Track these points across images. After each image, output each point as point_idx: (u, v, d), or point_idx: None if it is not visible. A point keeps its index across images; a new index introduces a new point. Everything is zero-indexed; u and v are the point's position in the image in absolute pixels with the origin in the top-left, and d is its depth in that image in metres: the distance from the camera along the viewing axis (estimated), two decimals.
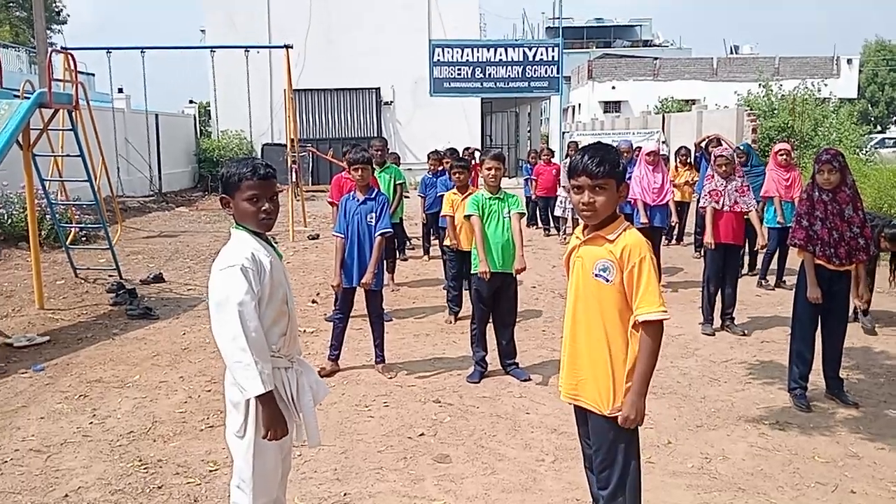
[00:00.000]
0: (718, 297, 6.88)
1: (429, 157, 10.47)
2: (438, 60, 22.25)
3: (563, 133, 25.33)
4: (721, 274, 6.81)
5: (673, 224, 9.75)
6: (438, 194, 9.27)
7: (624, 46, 55.08)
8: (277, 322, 2.72)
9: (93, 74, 27.86)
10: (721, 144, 9.86)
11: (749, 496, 3.75)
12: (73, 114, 8.83)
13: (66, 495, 3.78)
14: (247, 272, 2.58)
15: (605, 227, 2.72)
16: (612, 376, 2.74)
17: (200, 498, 3.75)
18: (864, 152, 19.18)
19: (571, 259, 2.86)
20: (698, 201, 7.26)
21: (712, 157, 7.04)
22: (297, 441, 2.87)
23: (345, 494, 3.77)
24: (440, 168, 9.84)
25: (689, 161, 11.30)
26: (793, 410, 4.89)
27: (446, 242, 7.31)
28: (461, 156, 9.99)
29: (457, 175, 6.93)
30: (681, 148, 11.74)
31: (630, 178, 8.51)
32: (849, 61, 41.40)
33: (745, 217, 6.82)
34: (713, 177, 6.83)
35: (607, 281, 2.69)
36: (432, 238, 10.64)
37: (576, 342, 2.84)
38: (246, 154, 23.20)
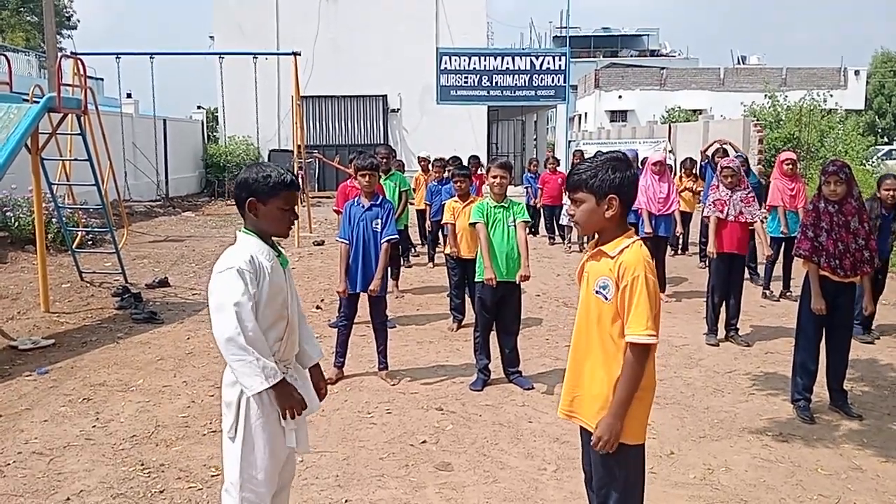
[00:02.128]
0: (723, 308, 6.87)
1: (433, 165, 10.51)
2: (445, 68, 22.33)
3: (570, 142, 25.37)
4: (726, 284, 6.80)
5: (678, 234, 9.73)
6: (444, 202, 9.32)
7: (631, 56, 55.13)
8: (275, 326, 2.72)
9: (102, 79, 28.07)
10: (728, 155, 9.87)
11: None
12: (82, 118, 8.89)
13: (68, 498, 3.79)
14: (243, 274, 2.61)
15: (608, 243, 2.64)
16: (609, 396, 2.63)
17: (202, 503, 3.76)
18: (870, 164, 19.14)
19: (583, 272, 2.80)
20: (702, 211, 7.26)
21: (718, 168, 7.04)
22: (287, 446, 2.83)
23: (346, 501, 3.77)
24: (445, 176, 9.89)
25: (693, 172, 11.30)
26: (796, 422, 4.87)
27: (446, 250, 7.32)
28: (465, 164, 10.01)
29: (458, 183, 6.94)
30: (686, 160, 11.76)
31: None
32: (856, 72, 41.34)
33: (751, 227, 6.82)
34: (718, 186, 6.83)
35: (606, 299, 2.62)
36: (437, 245, 10.68)
37: (577, 358, 2.77)
38: (253, 160, 23.31)
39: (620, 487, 2.71)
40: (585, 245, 7.01)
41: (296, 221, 2.87)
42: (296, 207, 2.82)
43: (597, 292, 2.65)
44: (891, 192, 6.56)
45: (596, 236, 2.75)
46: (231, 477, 2.73)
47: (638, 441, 2.71)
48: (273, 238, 2.81)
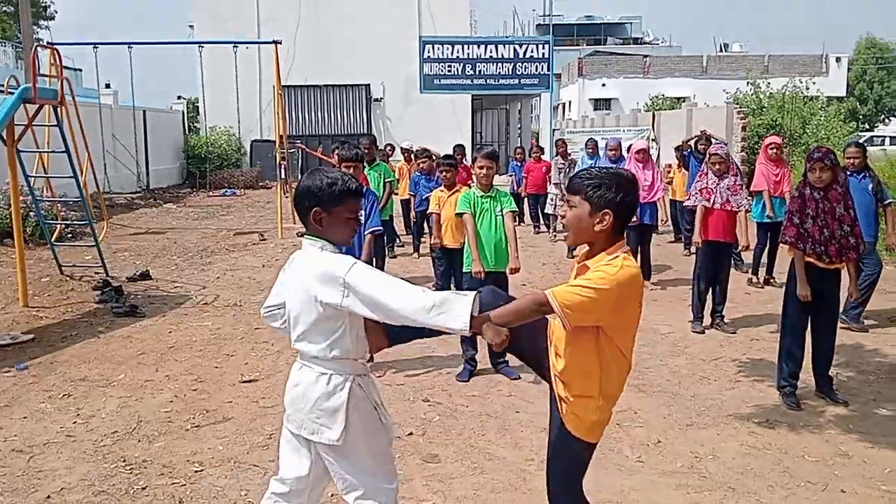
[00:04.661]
0: (709, 296, 6.87)
1: (418, 156, 10.44)
2: (428, 57, 22.15)
3: (554, 130, 25.32)
4: (712, 271, 6.79)
5: (661, 220, 9.71)
6: (424, 196, 9.38)
7: (614, 44, 55.14)
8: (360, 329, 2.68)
9: (80, 70, 27.65)
10: (711, 142, 9.86)
11: (739, 495, 3.74)
12: (59, 109, 8.73)
13: (49, 496, 3.72)
14: (365, 264, 2.59)
15: (593, 257, 2.59)
16: (571, 393, 2.64)
17: (185, 499, 3.70)
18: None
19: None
20: (688, 199, 7.24)
21: (707, 155, 7.01)
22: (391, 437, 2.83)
23: (332, 495, 3.72)
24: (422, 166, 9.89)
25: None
26: (782, 409, 4.88)
27: (432, 240, 7.27)
28: (452, 154, 9.96)
29: (444, 173, 6.88)
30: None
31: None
32: (837, 59, 41.57)
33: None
34: (707, 174, 6.80)
35: None
36: (422, 236, 10.65)
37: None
38: (235, 150, 23.13)
39: (561, 476, 2.77)
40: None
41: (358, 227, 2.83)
42: (359, 214, 2.75)
43: None
44: (852, 160, 6.67)
45: (582, 249, 2.70)
46: (367, 484, 2.68)
47: (587, 439, 2.68)
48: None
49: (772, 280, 8.51)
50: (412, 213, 10.79)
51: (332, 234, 2.64)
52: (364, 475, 2.69)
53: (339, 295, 2.49)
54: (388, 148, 12.01)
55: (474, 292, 2.51)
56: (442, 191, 6.82)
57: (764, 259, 8.60)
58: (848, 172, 6.62)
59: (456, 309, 2.43)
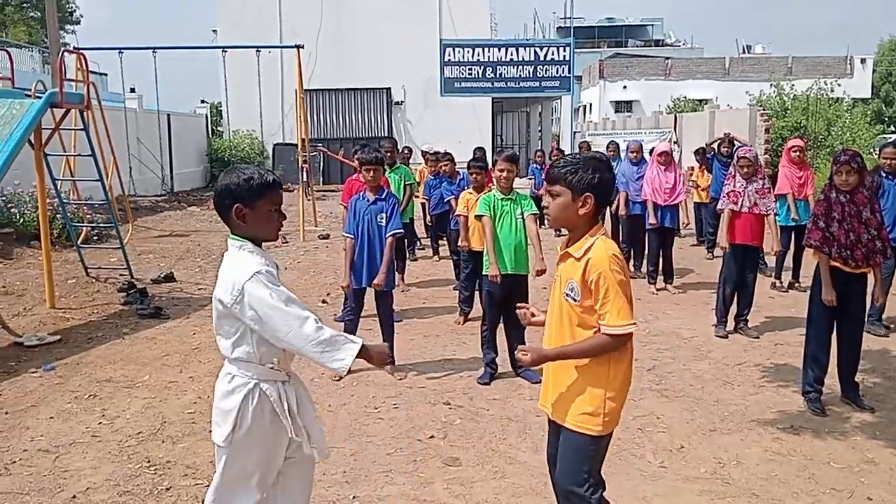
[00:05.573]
0: (733, 300, 6.79)
1: (438, 159, 10.44)
2: (449, 60, 22.19)
3: (575, 133, 25.24)
4: (739, 275, 6.70)
5: (683, 224, 9.63)
6: (446, 199, 9.38)
7: (636, 46, 54.89)
8: None
9: (105, 74, 28.00)
10: (734, 145, 9.79)
11: (763, 502, 3.70)
12: (85, 113, 8.85)
13: (74, 496, 3.77)
14: (270, 275, 2.55)
15: (576, 243, 2.71)
16: (577, 392, 2.73)
17: None
18: (877, 152, 18.96)
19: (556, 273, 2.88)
20: (714, 202, 7.17)
21: (735, 158, 6.92)
22: (305, 453, 2.77)
23: (353, 497, 3.74)
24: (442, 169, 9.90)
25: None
26: (807, 414, 4.82)
27: (460, 243, 7.26)
28: (476, 157, 9.96)
29: (474, 175, 6.86)
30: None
31: (642, 178, 8.50)
32: (862, 61, 41.07)
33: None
34: (735, 176, 6.72)
35: (574, 301, 2.70)
36: (440, 239, 10.68)
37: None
38: (258, 154, 23.32)
39: (581, 471, 2.78)
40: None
41: (284, 221, 2.77)
42: (281, 207, 2.72)
43: (566, 294, 2.73)
44: (888, 161, 6.61)
45: (565, 235, 2.81)
46: (233, 487, 2.70)
47: (606, 431, 2.77)
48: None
49: (796, 284, 8.41)
50: (428, 217, 10.81)
51: (257, 229, 2.63)
52: (237, 480, 2.68)
53: (231, 299, 2.50)
54: (406, 150, 12.05)
55: (361, 341, 2.56)
56: (470, 193, 6.79)
57: (788, 263, 8.51)
58: (884, 173, 6.54)
59: (341, 353, 2.50)
